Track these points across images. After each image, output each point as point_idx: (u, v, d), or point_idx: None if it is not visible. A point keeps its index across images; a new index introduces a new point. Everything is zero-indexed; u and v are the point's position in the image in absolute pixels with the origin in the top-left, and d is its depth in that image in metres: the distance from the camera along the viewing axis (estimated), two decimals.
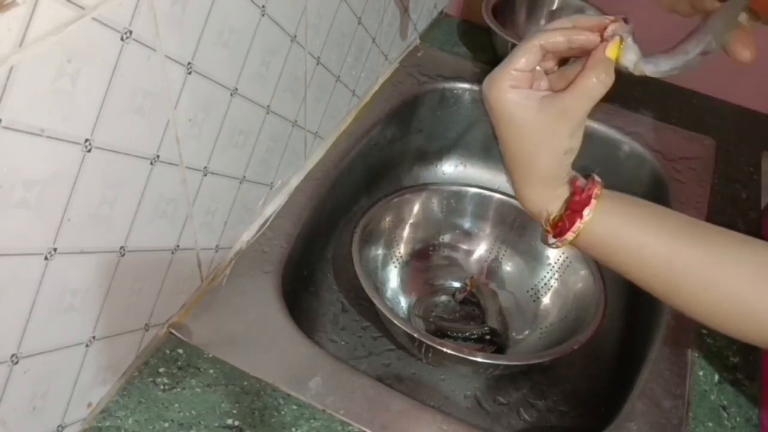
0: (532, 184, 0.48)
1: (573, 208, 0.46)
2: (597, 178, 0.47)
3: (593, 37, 0.45)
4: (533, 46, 0.45)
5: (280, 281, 0.67)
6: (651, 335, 0.69)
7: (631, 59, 0.46)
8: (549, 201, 0.48)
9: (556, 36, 0.46)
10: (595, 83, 0.43)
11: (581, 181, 0.47)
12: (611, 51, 0.45)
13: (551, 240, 0.48)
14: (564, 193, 0.48)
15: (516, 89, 0.45)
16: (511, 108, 0.45)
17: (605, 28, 0.46)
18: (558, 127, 0.44)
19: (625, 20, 0.47)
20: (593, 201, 0.46)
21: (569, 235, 0.46)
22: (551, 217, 0.48)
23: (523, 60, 0.45)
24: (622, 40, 0.45)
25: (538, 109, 0.44)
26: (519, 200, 0.50)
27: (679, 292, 0.46)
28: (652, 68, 0.46)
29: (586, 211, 0.46)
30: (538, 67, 0.47)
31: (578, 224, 0.46)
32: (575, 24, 0.46)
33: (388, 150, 0.92)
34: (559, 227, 0.47)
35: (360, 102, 0.89)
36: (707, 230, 0.47)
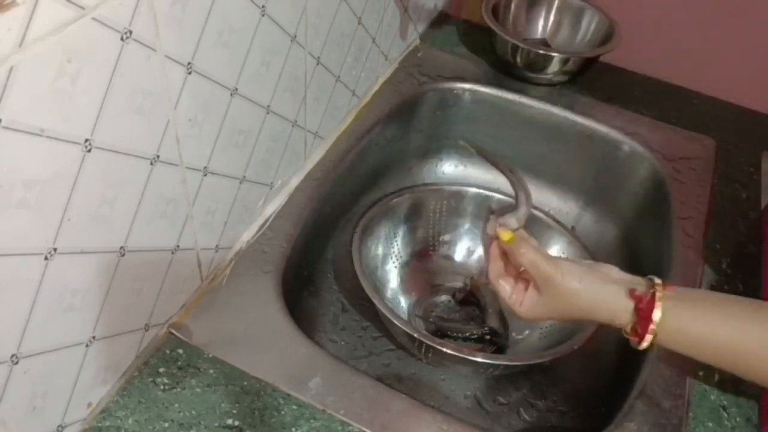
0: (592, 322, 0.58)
1: (641, 316, 0.52)
2: (656, 280, 0.53)
3: (496, 254, 0.61)
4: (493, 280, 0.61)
5: (280, 281, 0.67)
6: None
7: (513, 226, 0.60)
8: (614, 317, 0.54)
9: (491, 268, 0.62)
10: (526, 256, 0.57)
11: (639, 289, 0.53)
12: (505, 240, 0.59)
13: (635, 344, 0.54)
14: (627, 304, 0.53)
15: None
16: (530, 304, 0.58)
17: (494, 236, 0.60)
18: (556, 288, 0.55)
19: (492, 212, 0.63)
20: (658, 304, 0.51)
21: (648, 338, 0.52)
22: (627, 328, 0.54)
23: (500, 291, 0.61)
24: (500, 231, 0.60)
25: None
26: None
27: (755, 370, 0.51)
28: (515, 222, 0.61)
29: (654, 316, 0.51)
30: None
31: (652, 327, 0.51)
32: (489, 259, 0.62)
33: (388, 150, 0.92)
34: (638, 335, 0.52)
35: (360, 102, 0.89)
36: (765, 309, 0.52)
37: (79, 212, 0.44)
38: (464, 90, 0.96)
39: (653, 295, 0.52)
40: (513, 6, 1.03)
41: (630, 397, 0.62)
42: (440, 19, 1.09)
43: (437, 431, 0.57)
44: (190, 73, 0.50)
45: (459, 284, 0.88)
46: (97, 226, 0.46)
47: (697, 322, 0.52)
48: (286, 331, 0.62)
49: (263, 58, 0.60)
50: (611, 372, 0.79)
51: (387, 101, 0.91)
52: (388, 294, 0.84)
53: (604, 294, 0.54)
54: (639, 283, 0.54)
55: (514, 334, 0.83)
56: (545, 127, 0.94)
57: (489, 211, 0.65)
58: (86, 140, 0.42)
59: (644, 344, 0.52)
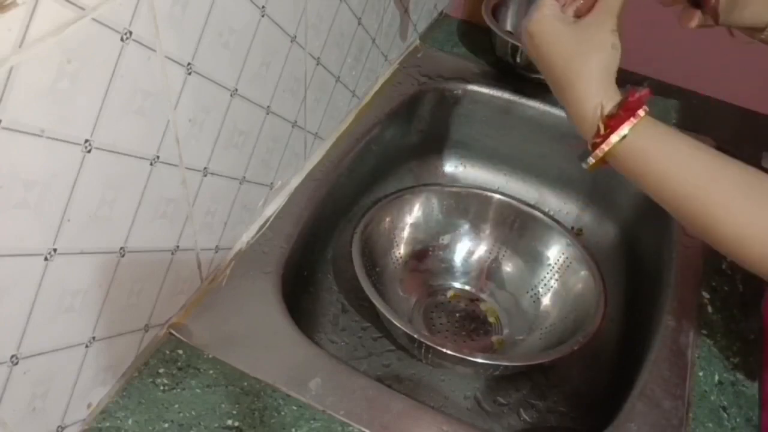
0: (587, 81, 0.50)
1: (627, 107, 0.48)
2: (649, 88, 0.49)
3: None
4: None
5: (280, 282, 0.67)
6: (651, 335, 0.69)
7: None
8: (605, 97, 0.49)
9: None
10: None
11: (634, 90, 0.49)
12: None
13: (591, 153, 0.50)
14: (617, 96, 0.49)
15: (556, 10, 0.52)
16: (556, 22, 0.51)
17: None
18: (604, 20, 0.50)
19: None
20: (645, 108, 0.48)
21: (622, 130, 0.48)
22: (606, 112, 0.49)
23: None
24: None
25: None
26: (572, 105, 0.51)
27: (709, 228, 0.48)
28: None
29: (640, 111, 0.48)
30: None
31: (631, 121, 0.48)
32: None
33: (388, 150, 0.92)
34: (612, 124, 0.48)
35: (360, 102, 0.89)
36: (732, 167, 0.48)
37: (79, 213, 0.44)
38: (464, 90, 0.96)
39: (643, 95, 0.48)
40: (513, 6, 1.03)
41: (630, 397, 0.62)
42: (440, 20, 1.09)
43: None
44: (190, 74, 0.50)
45: (458, 285, 0.88)
46: (97, 226, 0.46)
47: (668, 146, 0.48)
48: (286, 332, 0.62)
49: (263, 58, 0.60)
50: (611, 372, 0.79)
51: (387, 101, 0.91)
52: (388, 294, 0.84)
53: (613, 61, 0.50)
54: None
55: (514, 334, 0.83)
56: (545, 127, 0.94)
57: None
58: (86, 141, 0.42)
59: (603, 148, 0.49)
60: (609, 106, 0.49)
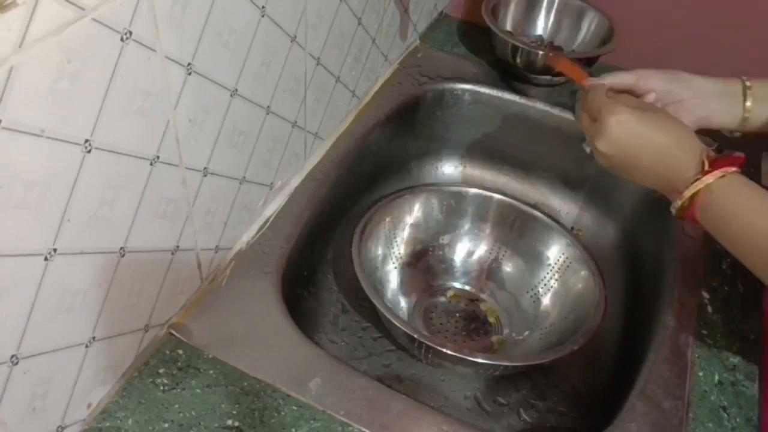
0: (688, 138, 0.57)
1: (730, 157, 0.55)
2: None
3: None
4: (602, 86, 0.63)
5: (280, 282, 0.67)
6: (651, 335, 0.69)
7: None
8: (705, 147, 0.56)
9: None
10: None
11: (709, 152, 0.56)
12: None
13: (687, 190, 0.55)
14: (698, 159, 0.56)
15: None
16: (641, 113, 0.58)
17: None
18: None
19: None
20: (737, 163, 0.54)
21: (727, 169, 0.54)
22: (709, 158, 0.55)
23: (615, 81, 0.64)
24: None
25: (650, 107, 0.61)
26: (672, 167, 0.57)
27: None
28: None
29: (734, 168, 0.54)
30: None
31: (732, 167, 0.54)
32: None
33: (388, 150, 0.92)
34: (717, 163, 0.54)
35: (360, 102, 0.89)
36: None
37: (79, 213, 0.44)
38: (464, 90, 0.96)
39: (744, 158, 0.55)
40: (513, 6, 1.03)
41: (630, 397, 0.62)
42: (440, 20, 1.09)
43: None
44: (190, 74, 0.50)
45: (458, 285, 0.88)
46: (97, 226, 0.46)
47: (752, 199, 0.53)
48: (286, 332, 0.62)
49: (263, 58, 0.60)
50: (611, 372, 0.79)
51: (387, 102, 0.91)
52: (388, 295, 0.84)
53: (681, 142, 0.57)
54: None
55: (514, 334, 0.83)
56: (545, 127, 0.94)
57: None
58: (86, 141, 0.42)
59: (705, 180, 0.54)
60: (711, 153, 0.55)
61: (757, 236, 0.52)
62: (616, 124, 0.58)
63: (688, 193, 0.55)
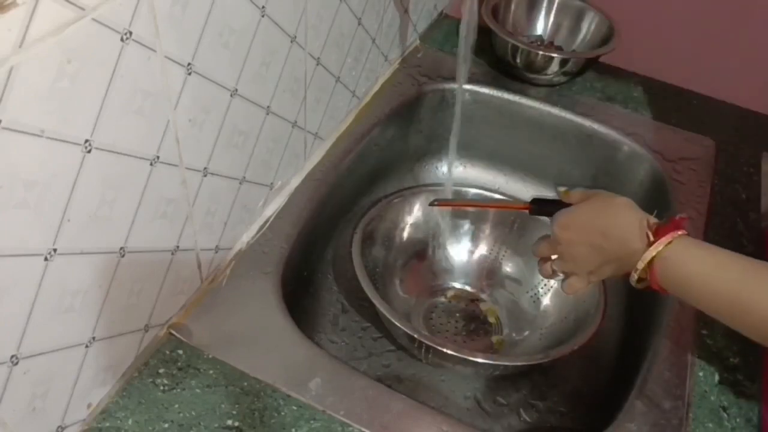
0: (629, 210, 0.58)
1: (674, 223, 0.54)
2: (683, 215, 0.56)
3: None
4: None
5: (280, 282, 0.67)
6: (651, 336, 0.69)
7: None
8: (647, 216, 0.57)
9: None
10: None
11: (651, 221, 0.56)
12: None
13: (639, 268, 0.55)
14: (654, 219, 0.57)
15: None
16: (579, 205, 0.61)
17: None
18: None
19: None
20: (683, 228, 0.54)
21: (671, 236, 0.53)
22: (652, 222, 0.56)
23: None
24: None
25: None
26: (619, 240, 0.57)
27: (745, 320, 0.52)
28: None
29: (680, 231, 0.54)
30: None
31: (676, 232, 0.53)
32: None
33: (388, 150, 0.92)
34: (660, 232, 0.54)
35: (360, 103, 0.89)
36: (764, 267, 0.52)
37: (79, 213, 0.44)
38: (464, 90, 0.96)
39: (686, 219, 0.55)
40: (513, 6, 1.03)
41: (630, 397, 0.62)
42: (440, 20, 1.09)
43: None
44: (190, 74, 0.50)
45: (458, 285, 0.88)
46: (97, 226, 0.46)
47: (709, 251, 0.53)
48: (286, 332, 0.62)
49: (263, 58, 0.60)
50: (611, 372, 0.79)
51: (387, 102, 0.91)
52: (388, 294, 0.84)
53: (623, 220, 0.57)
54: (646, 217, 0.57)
55: (514, 334, 0.83)
56: (545, 127, 0.94)
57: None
58: (86, 141, 0.42)
59: (652, 251, 0.54)
60: (653, 220, 0.56)
61: (721, 299, 0.52)
62: (559, 229, 0.60)
63: (641, 265, 0.55)
